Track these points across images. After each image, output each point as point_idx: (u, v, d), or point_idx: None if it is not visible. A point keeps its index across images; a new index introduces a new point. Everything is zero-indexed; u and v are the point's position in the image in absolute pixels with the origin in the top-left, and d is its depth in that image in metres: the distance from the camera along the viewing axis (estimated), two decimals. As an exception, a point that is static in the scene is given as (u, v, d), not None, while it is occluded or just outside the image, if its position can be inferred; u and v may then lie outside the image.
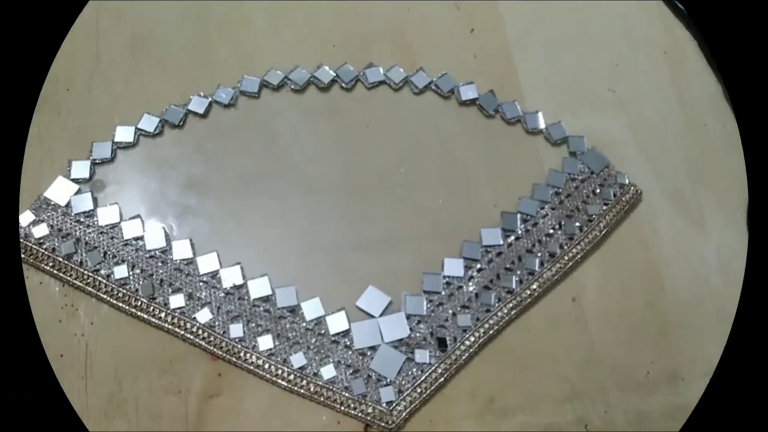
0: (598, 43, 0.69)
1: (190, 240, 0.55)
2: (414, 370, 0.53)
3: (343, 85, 0.63)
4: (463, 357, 0.53)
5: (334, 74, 0.63)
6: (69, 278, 0.53)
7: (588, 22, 0.70)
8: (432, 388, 0.52)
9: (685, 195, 0.62)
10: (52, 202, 0.55)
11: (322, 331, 0.53)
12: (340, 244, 0.57)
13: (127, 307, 0.52)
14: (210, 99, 0.61)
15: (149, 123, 0.59)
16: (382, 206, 0.59)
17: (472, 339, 0.54)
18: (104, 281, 0.53)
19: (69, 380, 0.51)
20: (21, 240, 0.53)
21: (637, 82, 0.67)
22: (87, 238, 0.54)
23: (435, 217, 0.59)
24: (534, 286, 0.56)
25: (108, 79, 0.61)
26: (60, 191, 0.56)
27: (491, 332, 0.54)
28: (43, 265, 0.53)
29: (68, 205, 0.55)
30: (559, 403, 0.54)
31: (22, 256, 0.53)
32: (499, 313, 0.55)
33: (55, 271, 0.53)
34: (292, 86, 0.62)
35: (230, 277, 0.54)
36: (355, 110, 0.63)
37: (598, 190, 0.60)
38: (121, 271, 0.53)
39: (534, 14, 0.69)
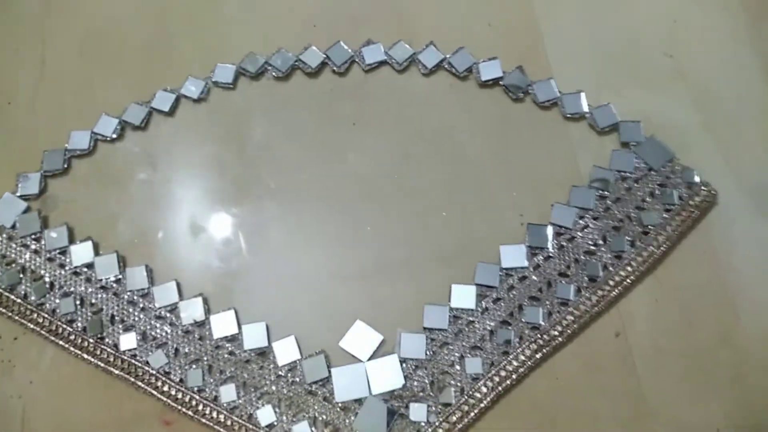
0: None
1: (146, 266, 0.49)
2: (408, 430, 0.44)
3: (335, 68, 0.55)
4: (472, 414, 0.45)
5: (324, 56, 0.56)
6: (10, 314, 0.47)
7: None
8: (432, 455, 0.44)
9: (768, 192, 0.51)
10: (-3, 223, 0.50)
11: (297, 379, 0.46)
12: (321, 272, 0.51)
13: (72, 349, 0.47)
14: (177, 94, 0.54)
15: (107, 126, 0.54)
16: (374, 222, 0.52)
17: (485, 390, 0.46)
18: (48, 317, 0.47)
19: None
20: (-44, 269, 0.48)
21: (703, 43, 0.58)
22: (33, 266, 0.48)
23: (440, 234, 0.52)
24: (567, 321, 0.47)
25: (56, 87, 0.56)
26: (6, 210, 0.50)
27: (509, 381, 0.46)
28: (-20, 298, 0.48)
29: (14, 226, 0.50)
30: (599, 475, 0.45)
31: (-44, 287, 0.48)
32: (520, 357, 0.47)
33: (-5, 306, 0.48)
34: (274, 73, 0.55)
35: (190, 310, 0.47)
36: (345, 101, 0.55)
37: (657, 192, 0.51)
38: (67, 305, 0.48)
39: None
